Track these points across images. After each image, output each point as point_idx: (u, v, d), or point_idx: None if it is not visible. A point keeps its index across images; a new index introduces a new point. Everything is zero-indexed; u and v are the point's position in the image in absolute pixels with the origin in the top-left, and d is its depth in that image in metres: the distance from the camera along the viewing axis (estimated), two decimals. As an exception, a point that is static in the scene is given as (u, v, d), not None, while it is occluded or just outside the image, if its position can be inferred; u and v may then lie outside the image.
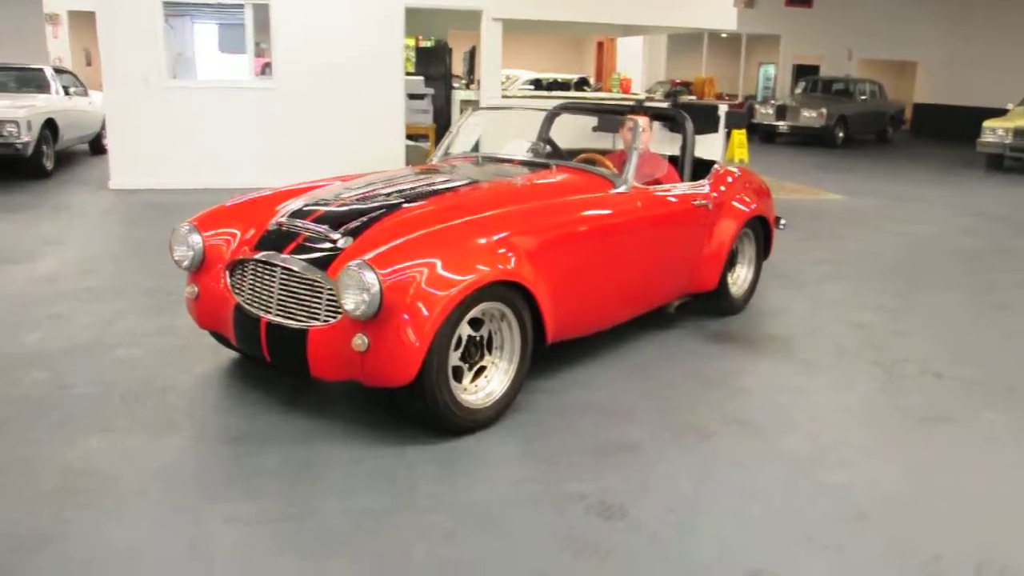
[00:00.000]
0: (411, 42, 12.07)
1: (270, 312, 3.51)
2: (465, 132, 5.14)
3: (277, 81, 9.97)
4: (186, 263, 3.85)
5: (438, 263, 3.24)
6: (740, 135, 14.21)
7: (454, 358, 3.38)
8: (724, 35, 22.80)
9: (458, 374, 3.44)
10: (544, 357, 4.14)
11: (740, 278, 5.39)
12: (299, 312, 3.44)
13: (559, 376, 4.15)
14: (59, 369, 4.10)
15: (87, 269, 6.04)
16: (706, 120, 10.61)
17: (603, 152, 4.97)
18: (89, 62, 20.08)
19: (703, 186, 4.95)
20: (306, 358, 3.38)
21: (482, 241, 3.46)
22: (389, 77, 10.18)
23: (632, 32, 13.58)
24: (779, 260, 6.71)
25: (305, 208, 3.80)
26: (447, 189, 4.01)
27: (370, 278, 3.10)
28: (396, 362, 3.16)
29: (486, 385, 3.55)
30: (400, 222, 3.54)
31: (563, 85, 16.06)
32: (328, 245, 3.47)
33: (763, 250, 5.52)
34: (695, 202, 4.78)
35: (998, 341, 5.10)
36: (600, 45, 16.66)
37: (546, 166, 4.59)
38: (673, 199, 4.64)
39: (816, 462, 3.37)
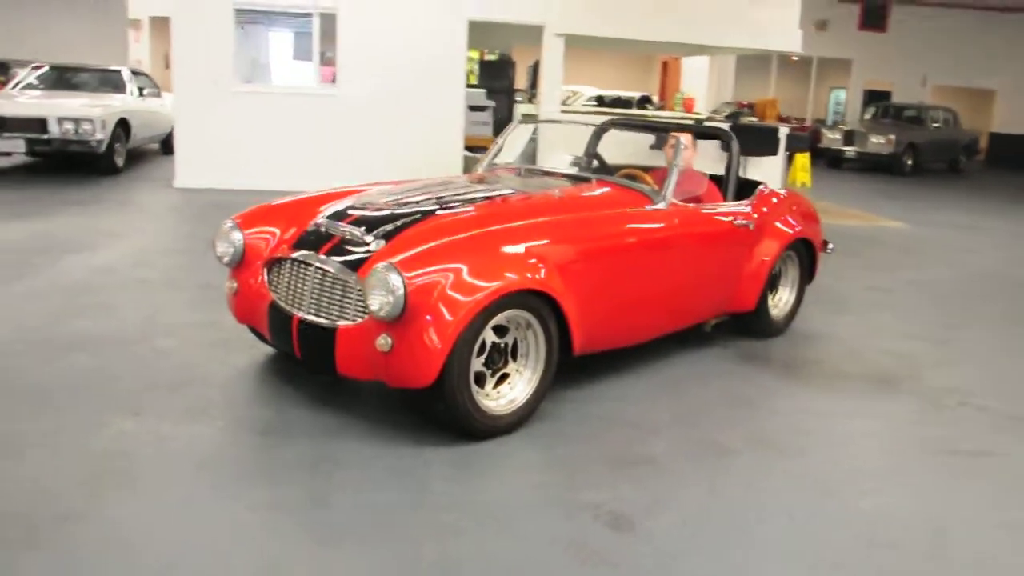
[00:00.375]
0: (475, 55, 12.24)
1: (302, 310, 3.61)
2: (511, 144, 5.20)
3: (341, 88, 10.20)
4: (227, 259, 3.98)
5: (464, 269, 3.29)
6: (804, 159, 14.01)
7: (477, 364, 3.42)
8: (795, 58, 22.56)
9: (481, 379, 3.47)
10: (575, 367, 4.16)
11: (782, 300, 5.33)
12: (330, 311, 3.52)
13: (588, 387, 4.16)
14: (100, 354, 4.26)
15: (142, 262, 6.26)
16: (765, 142, 10.49)
17: (647, 169, 4.97)
18: (168, 65, 20.77)
19: (745, 206, 4.91)
20: (334, 356, 3.46)
21: (511, 249, 3.50)
22: (450, 89, 10.32)
23: (695, 52, 13.51)
24: (828, 285, 6.60)
25: (344, 211, 3.89)
26: (484, 198, 4.07)
27: (395, 280, 3.17)
28: (418, 363, 3.21)
29: (509, 392, 3.58)
30: (432, 227, 3.60)
31: (625, 102, 16.07)
32: (362, 247, 3.55)
33: (807, 274, 5.44)
34: (736, 222, 4.74)
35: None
36: (665, 64, 16.60)
37: (587, 180, 4.61)
38: (713, 218, 4.61)
39: (833, 488, 3.31)
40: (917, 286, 7.14)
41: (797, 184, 13.93)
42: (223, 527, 2.79)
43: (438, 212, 3.77)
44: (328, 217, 3.85)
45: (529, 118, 5.82)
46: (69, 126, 9.98)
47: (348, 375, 3.49)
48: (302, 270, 3.67)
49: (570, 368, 4.09)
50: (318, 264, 3.59)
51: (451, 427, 3.44)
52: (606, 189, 4.44)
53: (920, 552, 2.88)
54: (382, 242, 3.53)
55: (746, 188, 5.21)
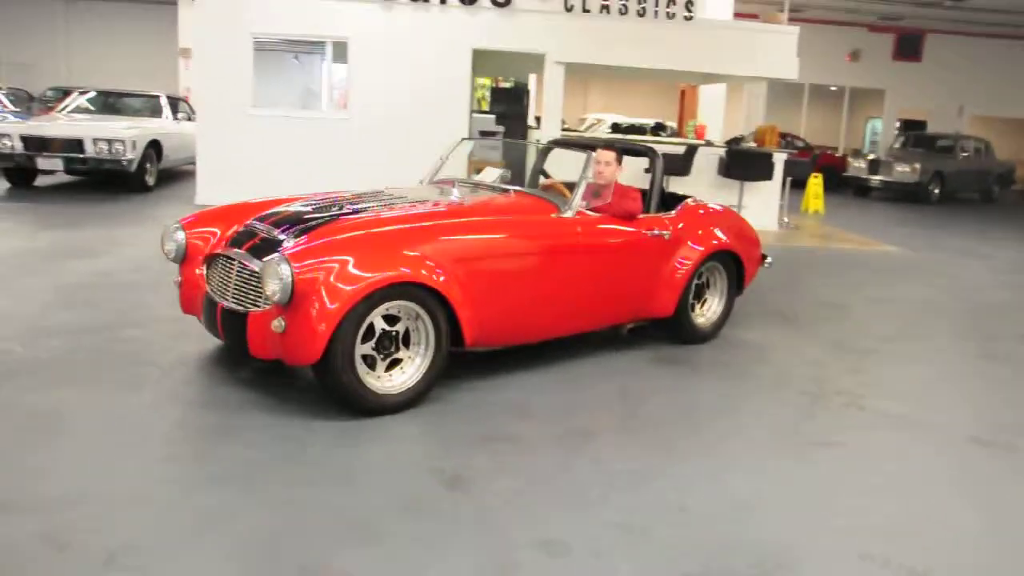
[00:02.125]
0: (487, 82, 12.78)
1: (226, 299, 4.12)
2: (453, 159, 5.68)
3: (352, 113, 10.84)
4: (172, 255, 4.53)
5: (350, 261, 3.76)
6: (816, 186, 14.19)
7: (366, 348, 3.87)
8: (833, 88, 22.67)
9: (373, 362, 3.92)
10: (491, 360, 4.63)
11: (709, 309, 5.66)
12: (245, 299, 4.02)
13: (495, 378, 4.56)
14: (72, 340, 4.84)
15: (139, 267, 6.89)
16: (759, 168, 10.77)
17: (569, 184, 5.38)
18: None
19: (664, 218, 5.28)
20: (246, 338, 3.95)
21: (399, 246, 3.95)
22: (454, 114, 10.85)
23: (700, 80, 13.87)
24: (784, 300, 6.91)
25: (271, 214, 4.41)
26: (397, 204, 4.54)
27: (284, 269, 3.65)
28: (304, 343, 3.68)
29: (400, 376, 4.01)
30: (336, 227, 4.08)
31: (639, 129, 16.50)
32: (276, 244, 4.05)
33: (735, 285, 5.74)
34: (649, 232, 5.11)
35: (961, 388, 5.15)
36: (683, 93, 16.98)
37: (506, 191, 5.06)
38: (620, 228, 4.99)
39: (675, 466, 3.65)
40: (875, 303, 7.36)
41: (810, 211, 14.11)
42: (120, 474, 3.29)
43: (345, 215, 4.25)
44: (256, 219, 4.37)
45: (466, 136, 6.25)
46: (103, 146, 10.80)
47: (257, 356, 3.98)
48: (228, 264, 4.19)
49: (488, 360, 4.57)
50: (238, 258, 4.10)
51: (341, 403, 3.89)
52: (517, 199, 4.88)
53: (723, 516, 3.22)
54: (292, 239, 4.03)
55: (675, 201, 5.59)
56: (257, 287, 3.97)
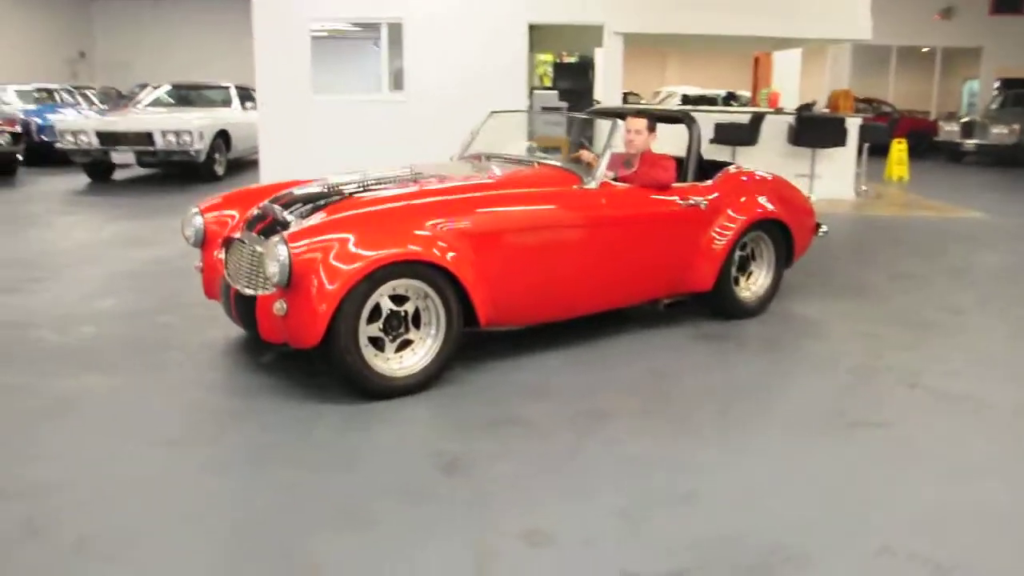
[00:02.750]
0: (549, 58, 12.53)
1: (239, 282, 4.07)
2: (485, 135, 5.48)
3: (408, 94, 10.78)
4: (192, 240, 4.53)
5: (351, 239, 3.64)
6: (900, 151, 13.45)
7: (372, 329, 3.76)
8: (925, 49, 21.47)
9: (381, 344, 3.81)
10: (515, 338, 4.49)
11: (755, 283, 5.35)
12: (256, 282, 3.96)
13: (518, 358, 4.40)
14: (107, 326, 4.92)
15: (191, 255, 6.97)
16: (831, 134, 10.22)
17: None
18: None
19: (701, 187, 5.00)
20: (256, 322, 3.90)
21: (409, 223, 3.82)
22: (512, 91, 10.66)
23: (772, 46, 13.26)
24: (853, 272, 6.53)
25: (284, 195, 4.34)
26: (414, 179, 4.41)
27: (282, 251, 3.57)
28: (305, 325, 3.60)
29: (411, 357, 3.89)
30: (346, 205, 3.98)
31: (711, 100, 15.95)
32: (285, 224, 3.98)
33: (784, 257, 5.41)
34: (683, 201, 4.84)
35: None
36: (756, 60, 16.30)
37: (531, 163, 4.87)
38: (649, 197, 4.73)
39: (683, 454, 3.42)
40: (952, 273, 6.86)
41: (893, 179, 13.38)
42: (121, 460, 3.28)
43: (356, 193, 4.15)
44: (269, 200, 4.31)
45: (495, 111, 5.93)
46: (172, 138, 11.08)
47: (267, 340, 3.92)
48: (240, 247, 4.14)
49: (512, 339, 4.45)
50: (248, 241, 4.05)
51: (347, 385, 3.79)
52: (540, 170, 4.69)
53: (734, 504, 2.99)
54: (300, 220, 3.95)
55: (716, 169, 5.30)
56: (263, 268, 3.91)
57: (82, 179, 11.67)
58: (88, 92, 16.94)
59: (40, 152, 12.85)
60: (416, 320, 3.91)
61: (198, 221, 4.49)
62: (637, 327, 5.00)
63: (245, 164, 13.75)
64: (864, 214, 9.86)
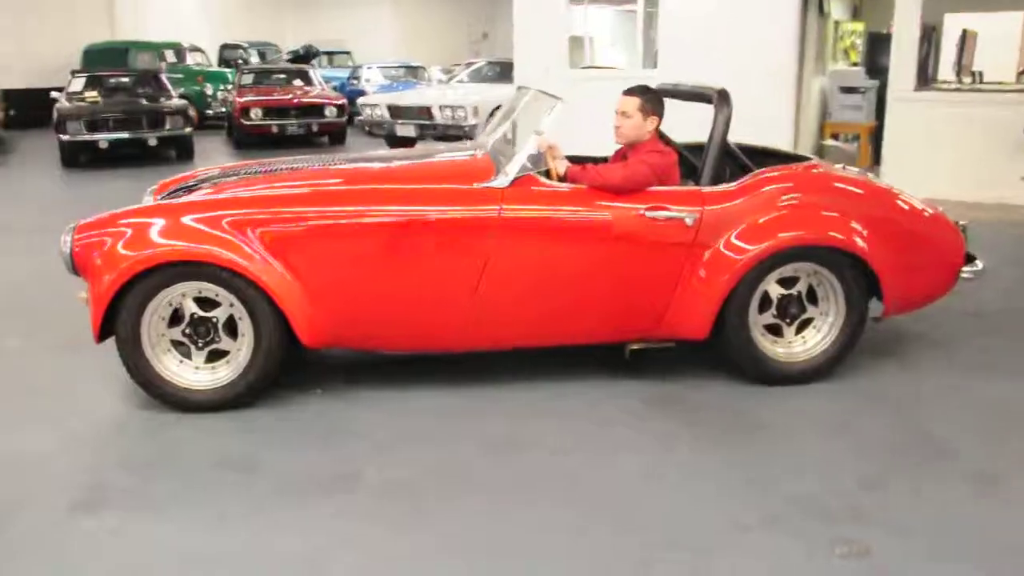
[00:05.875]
0: (857, 28, 10.50)
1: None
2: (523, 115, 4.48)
3: (661, 71, 9.77)
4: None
5: (127, 234, 3.31)
6: None
7: (174, 332, 3.41)
8: None
9: (186, 350, 3.45)
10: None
11: (807, 340, 3.81)
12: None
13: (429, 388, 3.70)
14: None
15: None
16: None
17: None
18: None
19: (693, 193, 3.67)
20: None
21: (206, 218, 3.35)
22: (777, 70, 9.12)
23: None
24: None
25: (190, 181, 4.05)
26: (296, 169, 3.92)
27: (65, 240, 3.38)
28: (94, 319, 3.31)
29: (225, 369, 3.46)
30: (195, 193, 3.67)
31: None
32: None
33: (864, 301, 3.79)
34: (650, 213, 3.56)
35: None
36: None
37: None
38: (594, 204, 3.56)
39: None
40: None
41: None
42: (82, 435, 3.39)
43: (221, 181, 3.79)
44: (182, 185, 4.07)
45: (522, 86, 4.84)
46: (448, 112, 11.49)
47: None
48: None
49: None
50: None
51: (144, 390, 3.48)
52: (449, 163, 3.91)
53: None
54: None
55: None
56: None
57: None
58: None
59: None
60: (232, 327, 3.44)
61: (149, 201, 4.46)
62: (577, 372, 3.88)
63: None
64: None
